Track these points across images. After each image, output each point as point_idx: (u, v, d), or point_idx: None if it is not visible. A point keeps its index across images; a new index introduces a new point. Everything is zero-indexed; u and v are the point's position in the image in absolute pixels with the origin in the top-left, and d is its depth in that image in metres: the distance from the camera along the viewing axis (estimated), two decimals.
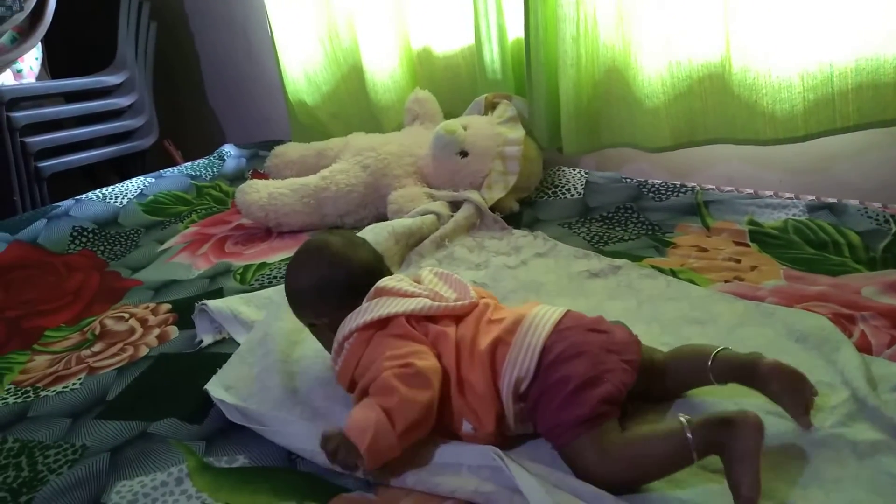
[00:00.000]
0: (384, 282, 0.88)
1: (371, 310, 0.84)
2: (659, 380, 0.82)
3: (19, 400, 1.02)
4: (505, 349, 0.79)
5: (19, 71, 2.20)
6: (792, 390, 0.76)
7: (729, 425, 0.66)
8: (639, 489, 0.70)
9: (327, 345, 0.90)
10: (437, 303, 0.85)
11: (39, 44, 2.24)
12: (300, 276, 0.91)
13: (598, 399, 0.72)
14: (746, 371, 0.78)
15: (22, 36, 2.18)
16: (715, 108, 1.40)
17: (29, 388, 1.05)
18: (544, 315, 0.82)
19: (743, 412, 0.67)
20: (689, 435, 0.67)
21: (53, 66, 2.40)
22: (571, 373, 0.74)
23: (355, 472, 0.75)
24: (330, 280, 0.88)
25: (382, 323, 0.83)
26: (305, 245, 0.94)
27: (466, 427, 0.79)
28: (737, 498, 0.64)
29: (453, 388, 0.79)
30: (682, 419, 0.68)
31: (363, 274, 0.90)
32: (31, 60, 2.24)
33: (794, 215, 1.32)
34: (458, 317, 0.85)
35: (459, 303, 0.86)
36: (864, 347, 0.92)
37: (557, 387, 0.74)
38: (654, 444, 0.69)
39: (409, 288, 0.87)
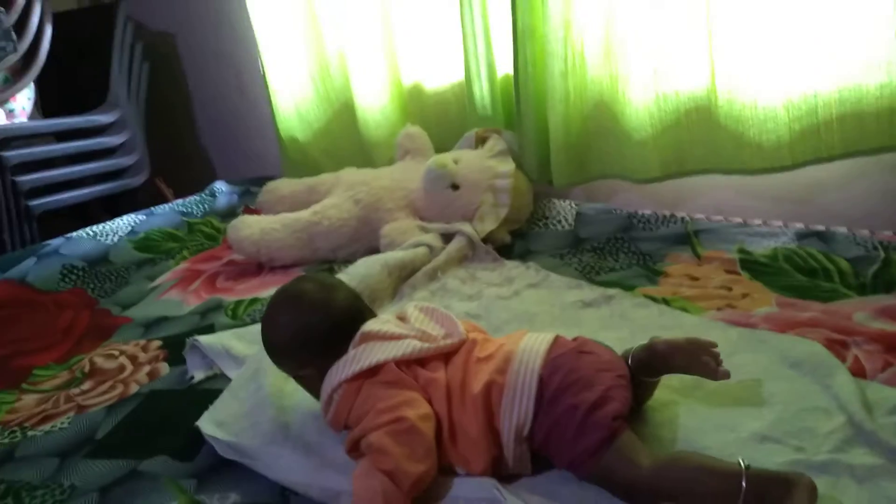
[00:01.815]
0: (369, 326, 0.86)
1: (358, 358, 0.82)
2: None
3: (6, 440, 1.00)
4: (499, 391, 0.77)
5: (11, 111, 2.21)
6: (692, 355, 0.80)
7: (786, 484, 0.65)
8: None
9: (315, 394, 0.87)
10: (425, 344, 0.83)
11: (32, 84, 2.26)
12: (279, 327, 0.87)
13: (610, 418, 0.72)
14: (650, 360, 0.81)
15: (15, 76, 2.20)
16: (702, 139, 1.42)
17: (16, 428, 1.03)
18: (533, 347, 0.80)
19: (800, 475, 0.66)
20: (743, 483, 0.65)
21: (46, 105, 2.41)
22: (577, 401, 0.74)
23: None
24: (311, 328, 0.85)
25: (373, 371, 0.81)
26: (280, 295, 0.90)
27: (460, 472, 0.78)
28: None
29: (445, 435, 0.78)
30: (742, 463, 0.66)
31: (344, 318, 0.86)
32: (23, 100, 2.25)
33: (783, 243, 1.33)
34: (447, 356, 0.84)
35: (449, 341, 0.84)
36: (858, 372, 0.92)
37: (566, 418, 0.74)
38: (707, 476, 0.68)
39: (396, 329, 0.85)
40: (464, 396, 0.78)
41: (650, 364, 0.81)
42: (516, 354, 0.80)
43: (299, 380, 0.90)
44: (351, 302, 0.90)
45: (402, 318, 0.90)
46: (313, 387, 0.87)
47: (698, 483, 0.68)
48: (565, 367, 0.77)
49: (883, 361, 0.94)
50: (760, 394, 0.88)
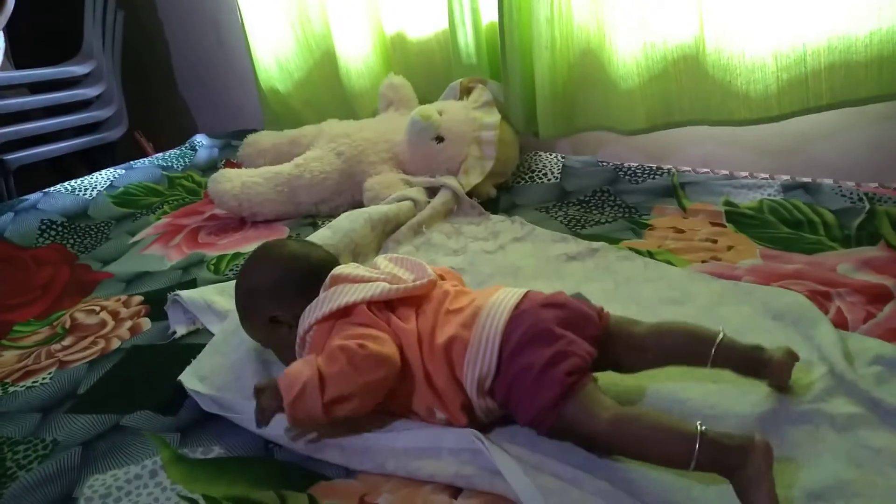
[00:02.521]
0: (339, 269, 0.86)
1: (330, 299, 0.82)
2: (635, 352, 0.80)
3: None
4: (461, 345, 0.77)
5: None
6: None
7: (742, 452, 0.64)
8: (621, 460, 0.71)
9: (283, 350, 0.88)
10: (395, 286, 0.83)
11: (2, 33, 2.18)
12: (259, 272, 0.89)
13: (564, 373, 0.72)
14: (751, 362, 0.77)
15: None
16: (690, 90, 1.40)
17: None
18: (501, 303, 0.80)
19: (750, 438, 0.64)
20: (697, 446, 0.64)
21: (17, 56, 2.34)
22: (533, 359, 0.73)
23: (265, 419, 0.76)
24: (290, 273, 0.88)
25: (343, 312, 0.81)
26: (261, 246, 0.95)
27: (440, 416, 0.78)
28: None
29: (421, 381, 0.78)
30: (699, 427, 0.65)
31: (322, 267, 0.88)
32: None
33: (769, 195, 1.33)
34: (418, 304, 0.84)
35: (419, 282, 0.84)
36: (840, 323, 0.93)
37: (522, 376, 0.74)
38: (662, 436, 0.67)
39: (366, 273, 0.85)
40: (432, 345, 0.79)
41: (743, 364, 0.78)
42: (484, 309, 0.79)
43: (268, 336, 0.89)
44: (328, 257, 0.93)
45: (373, 268, 0.90)
46: (283, 340, 0.87)
47: (654, 442, 0.68)
48: (526, 323, 0.77)
49: (865, 313, 0.95)
50: None
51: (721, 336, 0.77)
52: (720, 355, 0.77)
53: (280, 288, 0.87)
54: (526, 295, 0.81)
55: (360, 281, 0.84)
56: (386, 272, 0.87)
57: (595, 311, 0.81)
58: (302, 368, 0.74)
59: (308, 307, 0.83)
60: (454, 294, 0.85)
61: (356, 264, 0.90)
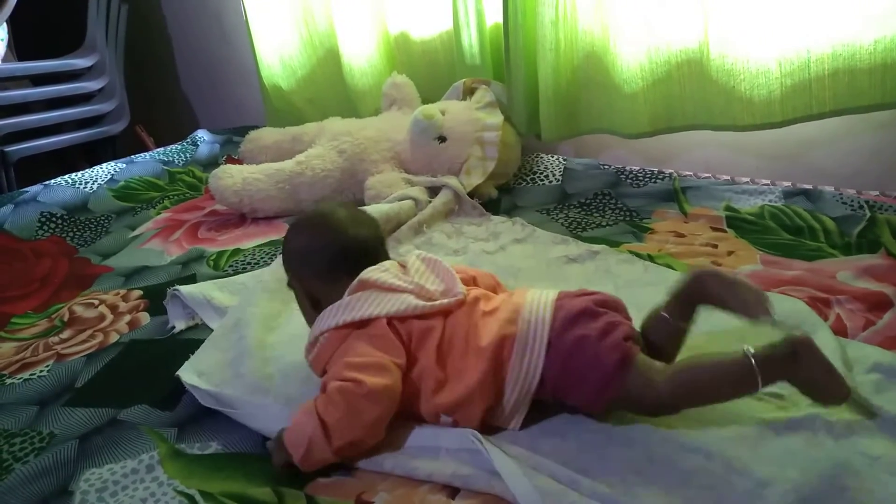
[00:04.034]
0: (368, 273, 0.83)
1: (351, 307, 0.81)
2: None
3: None
4: (510, 342, 0.77)
5: None
6: (733, 287, 0.78)
7: (794, 357, 0.70)
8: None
9: (302, 309, 0.90)
10: (421, 302, 0.81)
11: (5, 24, 2.18)
12: (297, 235, 0.90)
13: (622, 338, 0.73)
14: (690, 287, 0.80)
15: None
16: (693, 94, 1.40)
17: None
18: (540, 297, 0.80)
19: (794, 340, 0.70)
20: (756, 368, 0.69)
21: (20, 48, 2.33)
22: (586, 331, 0.75)
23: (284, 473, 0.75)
24: (319, 248, 0.87)
25: (363, 323, 0.80)
26: (313, 211, 0.95)
27: (445, 420, 0.78)
28: (830, 400, 0.71)
29: (436, 387, 0.77)
30: (747, 350, 0.70)
31: (355, 252, 0.86)
32: None
33: (770, 201, 1.33)
34: (446, 314, 0.82)
35: (446, 301, 0.82)
36: (839, 330, 0.93)
37: (578, 348, 0.74)
38: (720, 373, 0.72)
39: (394, 281, 0.83)
40: (467, 348, 0.78)
41: (688, 293, 0.80)
42: (525, 305, 0.80)
43: (293, 289, 0.90)
44: (368, 241, 0.89)
45: (402, 266, 0.88)
46: (301, 301, 0.89)
47: (717, 380, 0.72)
48: (567, 306, 0.78)
49: (864, 320, 0.95)
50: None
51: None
52: (670, 309, 0.80)
53: (304, 261, 0.87)
54: (560, 292, 0.82)
55: (387, 289, 0.82)
56: (415, 282, 0.84)
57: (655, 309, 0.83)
58: (305, 422, 0.73)
59: (330, 307, 0.82)
60: (484, 298, 0.84)
61: (387, 265, 0.87)
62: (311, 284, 0.86)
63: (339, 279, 0.84)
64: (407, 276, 0.86)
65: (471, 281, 0.89)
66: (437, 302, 0.82)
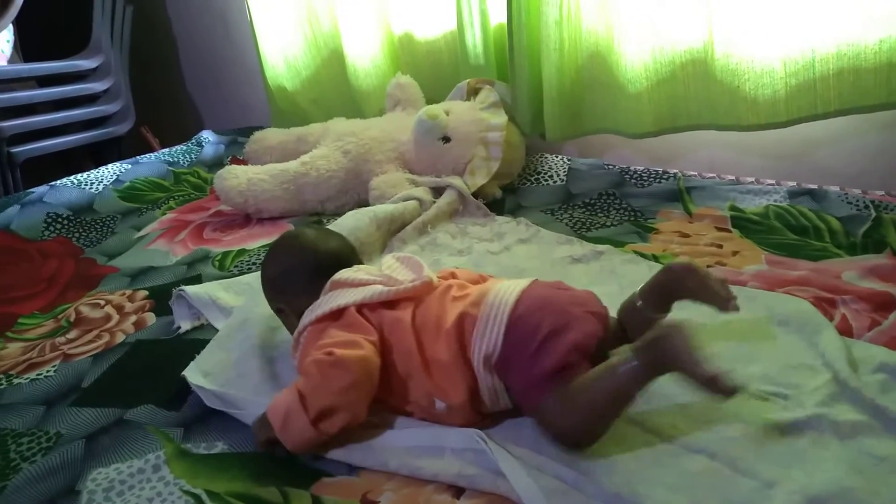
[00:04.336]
0: (339, 274, 0.87)
1: (324, 303, 0.84)
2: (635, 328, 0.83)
3: None
4: (471, 321, 0.78)
5: None
6: (705, 279, 0.81)
7: (661, 339, 0.69)
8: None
9: (291, 330, 0.91)
10: (387, 288, 0.84)
11: (11, 26, 2.19)
12: (272, 262, 0.94)
13: (568, 345, 0.73)
14: (664, 281, 0.83)
15: None
16: (697, 94, 1.40)
17: (2, 376, 1.03)
18: (510, 285, 0.81)
19: (666, 327, 0.70)
20: (635, 362, 0.69)
21: (26, 49, 2.34)
22: (539, 322, 0.75)
23: (278, 452, 0.77)
24: (296, 266, 0.91)
25: (336, 315, 0.83)
26: (281, 236, 0.99)
27: (440, 406, 0.78)
28: (709, 384, 0.67)
29: (419, 371, 0.79)
30: (629, 349, 0.71)
31: (330, 263, 0.90)
32: (2, 43, 2.18)
33: (775, 201, 1.33)
34: (418, 302, 0.84)
35: (412, 284, 0.85)
36: (845, 331, 0.92)
37: (526, 338, 0.75)
38: (606, 378, 0.71)
39: (364, 277, 0.86)
40: (438, 331, 0.79)
41: (664, 286, 0.83)
42: (492, 290, 0.81)
43: (281, 315, 0.93)
44: (341, 250, 0.94)
45: (377, 268, 0.92)
46: (291, 323, 0.90)
47: (604, 390, 0.71)
48: (535, 296, 0.79)
49: (870, 320, 0.95)
50: (747, 350, 0.88)
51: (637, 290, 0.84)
52: (645, 300, 0.83)
53: (285, 282, 0.91)
54: (533, 281, 0.83)
55: (357, 285, 0.85)
56: (384, 274, 0.88)
57: (631, 296, 0.85)
58: (285, 395, 0.76)
59: (307, 310, 0.85)
60: (458, 286, 0.86)
61: (359, 267, 0.91)
62: (298, 301, 0.88)
63: (320, 289, 0.87)
64: (379, 272, 0.89)
65: (449, 276, 0.91)
66: (403, 286, 0.84)
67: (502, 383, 0.78)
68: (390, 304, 0.84)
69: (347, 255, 0.94)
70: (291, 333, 0.90)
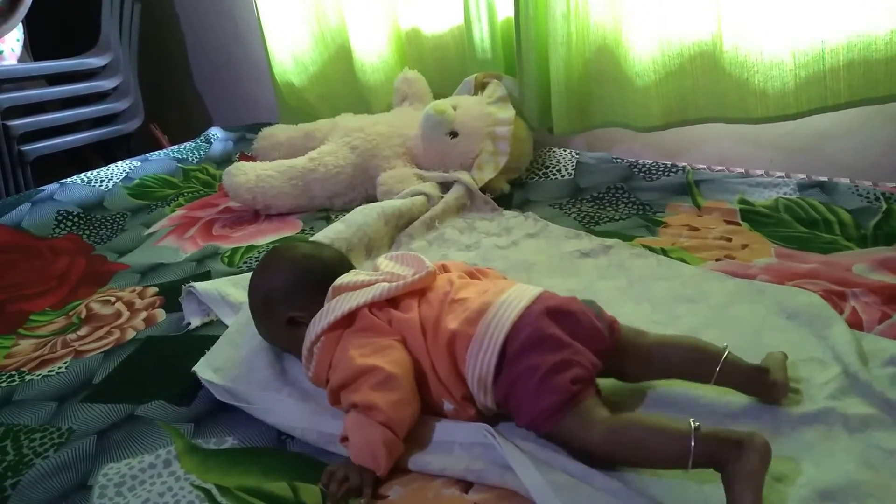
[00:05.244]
0: (339, 280, 0.86)
1: (332, 309, 0.82)
2: (641, 363, 0.80)
3: (4, 384, 1.01)
4: (464, 341, 0.77)
5: (0, 52, 2.16)
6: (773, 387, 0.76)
7: (738, 446, 0.63)
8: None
9: (298, 352, 0.87)
10: (394, 283, 0.83)
11: (21, 25, 2.20)
12: (276, 274, 0.90)
13: (569, 381, 0.71)
14: (755, 382, 0.77)
15: (2, 17, 2.13)
16: (706, 87, 1.39)
17: (14, 373, 1.04)
18: (511, 302, 0.78)
19: (751, 434, 0.64)
20: (692, 444, 0.64)
21: (35, 48, 2.35)
22: (538, 362, 0.73)
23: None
24: (306, 273, 0.89)
25: (348, 320, 0.81)
26: (271, 250, 0.96)
27: (448, 407, 0.79)
28: None
29: (429, 368, 0.78)
30: (692, 424, 0.65)
31: (336, 265, 0.91)
32: (11, 42, 2.19)
33: (784, 194, 1.32)
34: (421, 295, 0.84)
35: (417, 276, 0.84)
36: (855, 324, 0.92)
37: (526, 377, 0.73)
38: (657, 438, 0.67)
39: (365, 278, 0.86)
40: (437, 334, 0.79)
41: (745, 383, 0.78)
42: (493, 307, 0.78)
43: (287, 337, 0.89)
44: (341, 257, 0.95)
45: (374, 270, 0.91)
46: (293, 344, 0.88)
47: (649, 445, 0.67)
48: (533, 326, 0.75)
49: (880, 313, 0.94)
50: (756, 344, 0.88)
51: (726, 353, 0.77)
52: (724, 372, 0.76)
53: (297, 289, 0.88)
54: (539, 296, 0.79)
55: (360, 287, 0.84)
56: (385, 272, 0.87)
57: (606, 324, 0.79)
58: (368, 434, 0.72)
59: (312, 320, 0.83)
60: (459, 284, 0.85)
61: (357, 270, 0.90)
62: (313, 309, 0.84)
63: (321, 301, 0.85)
64: (378, 272, 0.88)
65: (441, 268, 0.91)
66: (409, 279, 0.84)
67: (494, 405, 0.77)
68: (396, 303, 0.83)
69: (346, 261, 0.95)
70: (301, 345, 0.86)
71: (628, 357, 0.80)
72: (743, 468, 0.62)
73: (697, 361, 0.78)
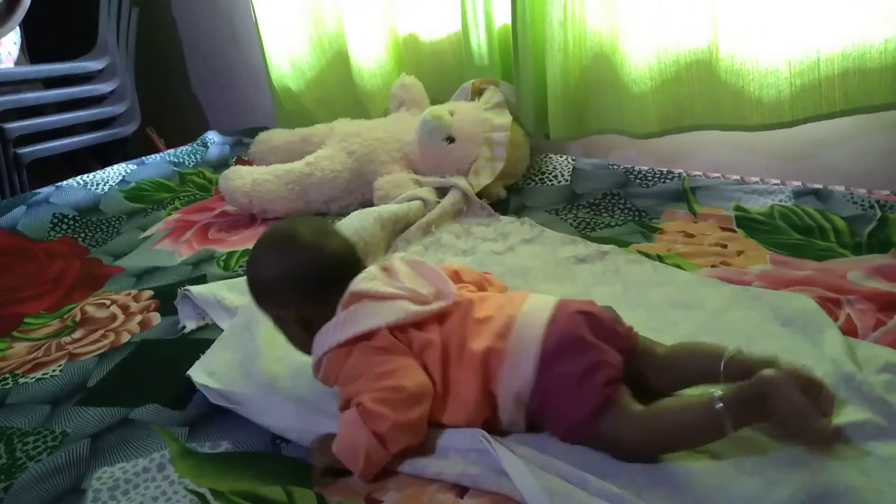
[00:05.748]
0: (359, 284, 0.81)
1: (351, 322, 0.79)
2: (655, 373, 0.79)
3: None
4: (498, 357, 0.76)
5: None
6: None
7: (761, 401, 0.66)
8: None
9: (292, 338, 0.85)
10: (418, 307, 0.80)
11: (18, 28, 2.20)
12: (267, 264, 0.83)
13: (601, 384, 0.72)
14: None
15: None
16: (702, 94, 1.40)
17: (8, 375, 1.03)
18: (535, 313, 0.78)
19: (764, 379, 0.67)
20: (724, 412, 0.67)
21: (32, 51, 2.35)
22: (570, 369, 0.73)
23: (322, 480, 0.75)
24: (300, 270, 0.81)
25: (364, 335, 0.79)
26: (272, 231, 0.87)
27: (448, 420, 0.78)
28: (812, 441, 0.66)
29: (439, 394, 0.77)
30: (714, 394, 0.68)
31: (336, 264, 0.83)
32: (9, 45, 2.19)
33: (780, 201, 1.32)
34: (441, 316, 0.82)
35: (442, 303, 0.82)
36: (849, 331, 0.92)
37: (559, 387, 0.73)
38: (686, 419, 0.70)
39: (386, 289, 0.81)
40: (462, 357, 0.77)
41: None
42: (518, 320, 0.78)
43: (278, 322, 0.86)
44: (344, 250, 0.86)
45: (387, 270, 0.86)
46: (292, 330, 0.84)
47: (683, 429, 0.69)
48: (560, 332, 0.76)
49: (875, 320, 0.94)
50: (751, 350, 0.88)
51: (729, 352, 0.76)
52: (730, 370, 0.75)
53: (284, 287, 0.82)
54: (558, 304, 0.80)
55: (381, 298, 0.81)
56: (406, 287, 0.83)
57: (625, 328, 0.80)
58: (355, 435, 0.72)
59: (327, 325, 0.80)
60: (478, 301, 0.83)
61: (373, 272, 0.85)
62: (300, 309, 0.82)
63: (329, 295, 0.81)
64: (396, 280, 0.84)
65: (454, 276, 0.89)
66: (434, 305, 0.81)
67: (524, 419, 0.77)
68: (417, 323, 0.80)
69: (351, 257, 0.86)
70: (291, 342, 0.86)
71: (645, 366, 0.80)
72: (785, 410, 0.65)
73: (701, 361, 0.78)
